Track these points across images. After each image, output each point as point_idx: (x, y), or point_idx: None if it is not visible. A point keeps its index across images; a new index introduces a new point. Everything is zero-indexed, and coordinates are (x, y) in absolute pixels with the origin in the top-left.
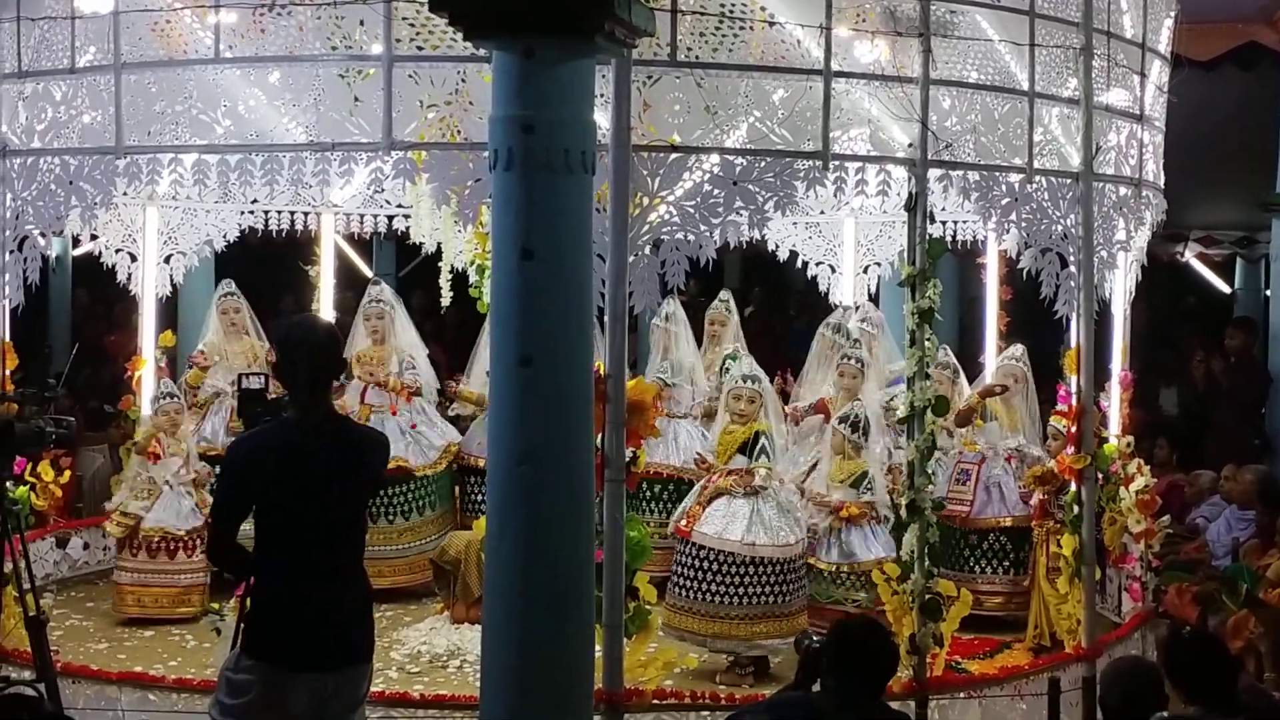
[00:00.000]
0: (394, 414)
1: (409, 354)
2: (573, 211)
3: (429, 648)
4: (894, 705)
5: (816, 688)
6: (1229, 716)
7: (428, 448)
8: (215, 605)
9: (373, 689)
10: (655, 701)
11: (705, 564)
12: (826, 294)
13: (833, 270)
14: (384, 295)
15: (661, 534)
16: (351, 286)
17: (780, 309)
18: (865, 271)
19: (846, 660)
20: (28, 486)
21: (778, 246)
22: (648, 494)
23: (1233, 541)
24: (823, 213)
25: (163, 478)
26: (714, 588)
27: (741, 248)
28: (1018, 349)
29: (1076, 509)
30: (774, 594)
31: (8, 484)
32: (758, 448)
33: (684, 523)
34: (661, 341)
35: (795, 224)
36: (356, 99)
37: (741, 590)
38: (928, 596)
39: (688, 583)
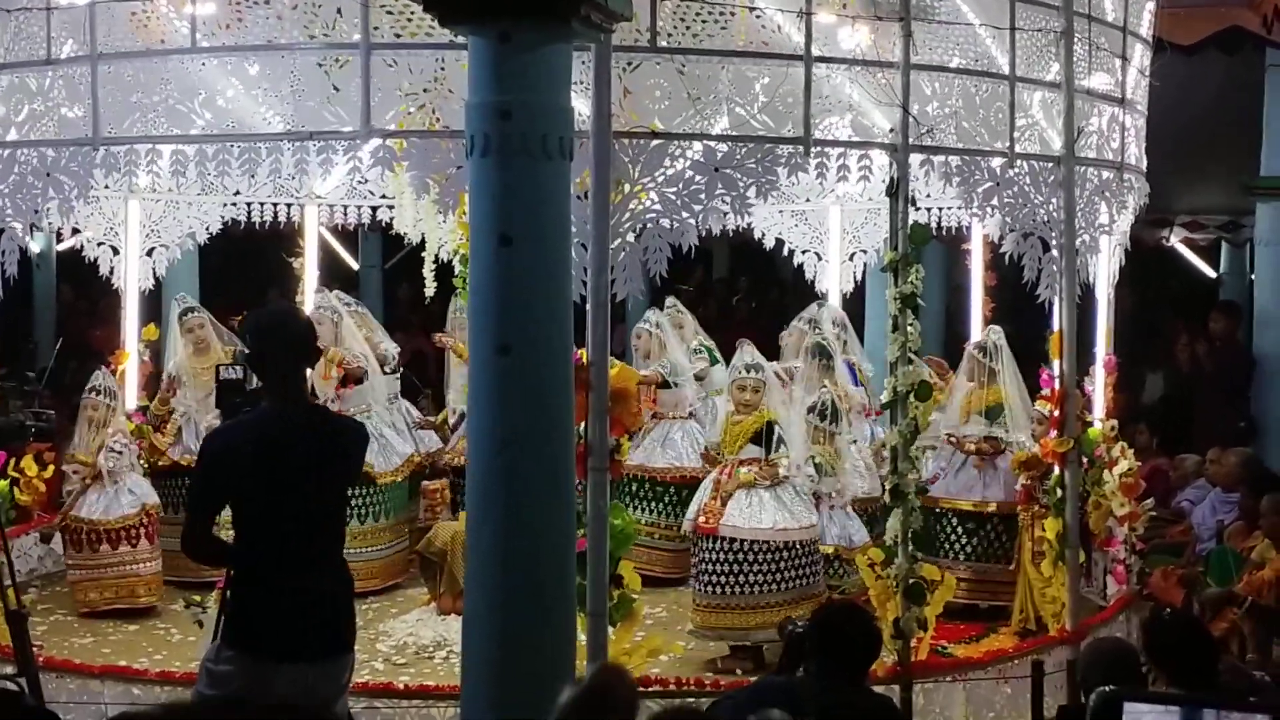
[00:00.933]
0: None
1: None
2: (551, 197)
3: (415, 639)
4: (878, 689)
5: (801, 673)
6: None
7: (391, 455)
8: (197, 597)
9: (358, 680)
10: (641, 689)
11: (739, 555)
12: (813, 282)
13: (819, 258)
14: (328, 302)
15: (670, 535)
16: (337, 278)
17: (765, 297)
18: (851, 259)
19: (828, 645)
20: (10, 481)
21: (764, 235)
22: (649, 494)
23: (1217, 524)
24: (808, 200)
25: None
26: (751, 578)
27: (729, 236)
28: (983, 336)
29: (1060, 493)
30: (804, 575)
31: None
32: (774, 438)
33: (704, 520)
34: (646, 346)
35: (781, 212)
36: (335, 88)
37: (777, 575)
38: (911, 581)
39: (720, 579)
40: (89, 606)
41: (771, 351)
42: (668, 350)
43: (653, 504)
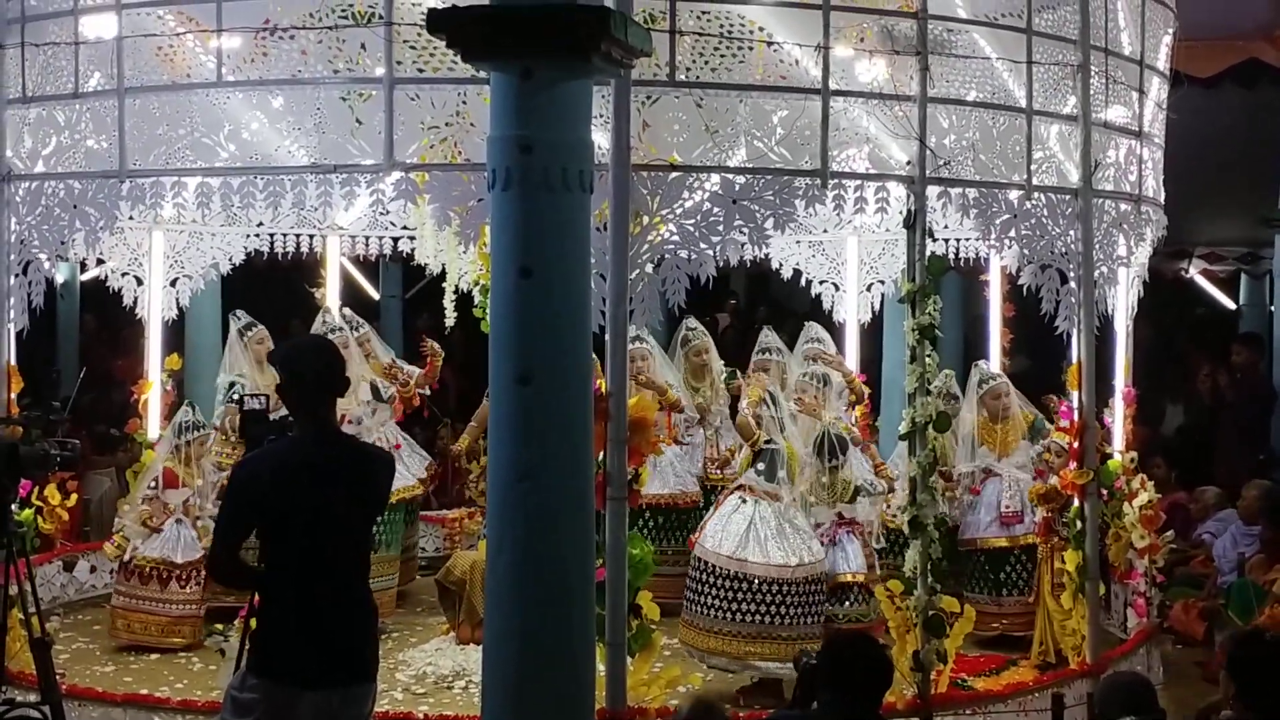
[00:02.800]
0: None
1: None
2: (571, 230)
3: (434, 669)
4: None
5: (815, 707)
6: None
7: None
8: (219, 626)
9: (378, 710)
10: None
11: (703, 576)
12: (830, 312)
13: (836, 288)
14: (335, 323)
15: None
16: (358, 308)
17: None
18: (869, 289)
19: (839, 676)
20: (34, 510)
21: (781, 265)
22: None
23: (1238, 557)
24: (826, 231)
25: (173, 504)
26: (709, 601)
27: (747, 266)
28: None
29: (1079, 525)
30: (766, 614)
31: (13, 507)
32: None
33: (696, 534)
34: (636, 369)
35: (799, 242)
36: (358, 121)
37: (735, 607)
38: (931, 613)
39: (691, 595)
40: (128, 638)
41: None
42: (656, 373)
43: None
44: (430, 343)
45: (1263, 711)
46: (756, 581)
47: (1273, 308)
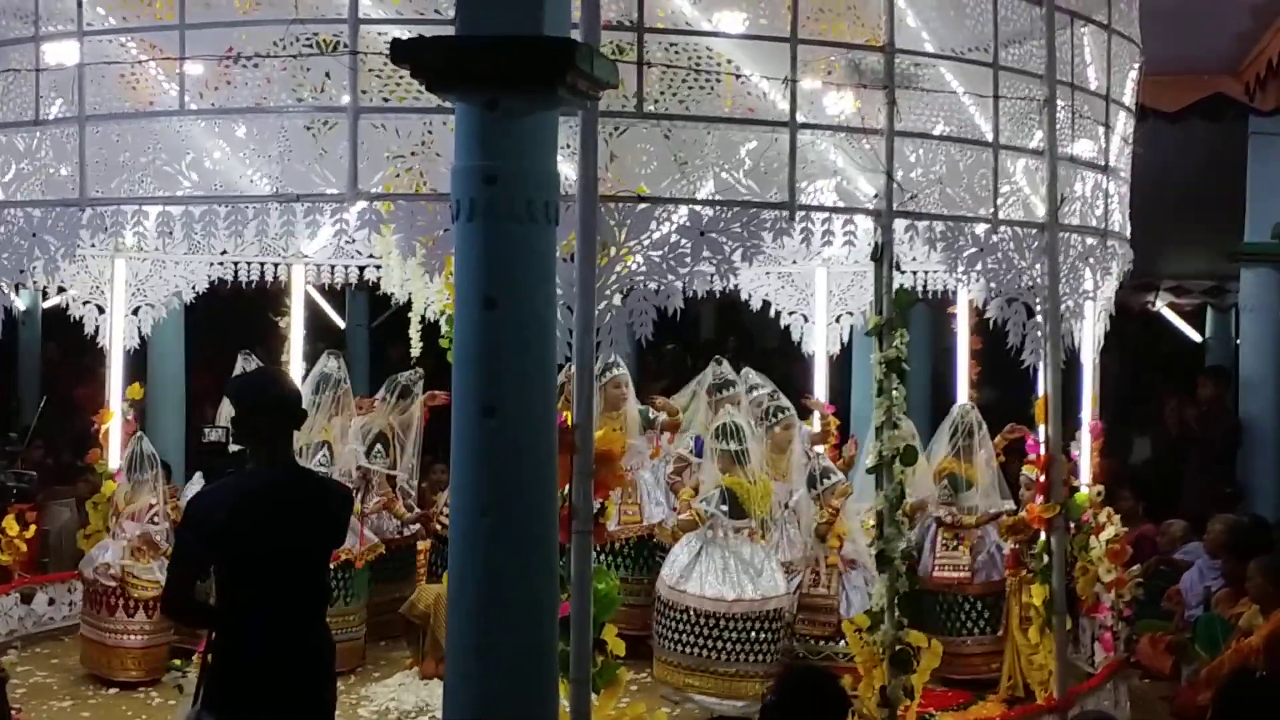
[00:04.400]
0: None
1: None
2: (536, 262)
3: (397, 704)
4: None
5: None
6: None
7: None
8: (177, 662)
9: None
10: None
11: (655, 604)
12: (799, 343)
13: (805, 320)
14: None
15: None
16: (324, 338)
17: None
18: (838, 321)
19: (792, 712)
20: None
21: (750, 296)
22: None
23: (1205, 590)
24: (795, 262)
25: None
26: (657, 629)
27: (716, 298)
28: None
29: (1046, 558)
30: (702, 647)
31: None
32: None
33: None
34: (617, 396)
35: (768, 274)
36: (323, 150)
37: (675, 636)
38: (898, 648)
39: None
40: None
41: None
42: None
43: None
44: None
45: None
46: (692, 613)
47: (1238, 341)
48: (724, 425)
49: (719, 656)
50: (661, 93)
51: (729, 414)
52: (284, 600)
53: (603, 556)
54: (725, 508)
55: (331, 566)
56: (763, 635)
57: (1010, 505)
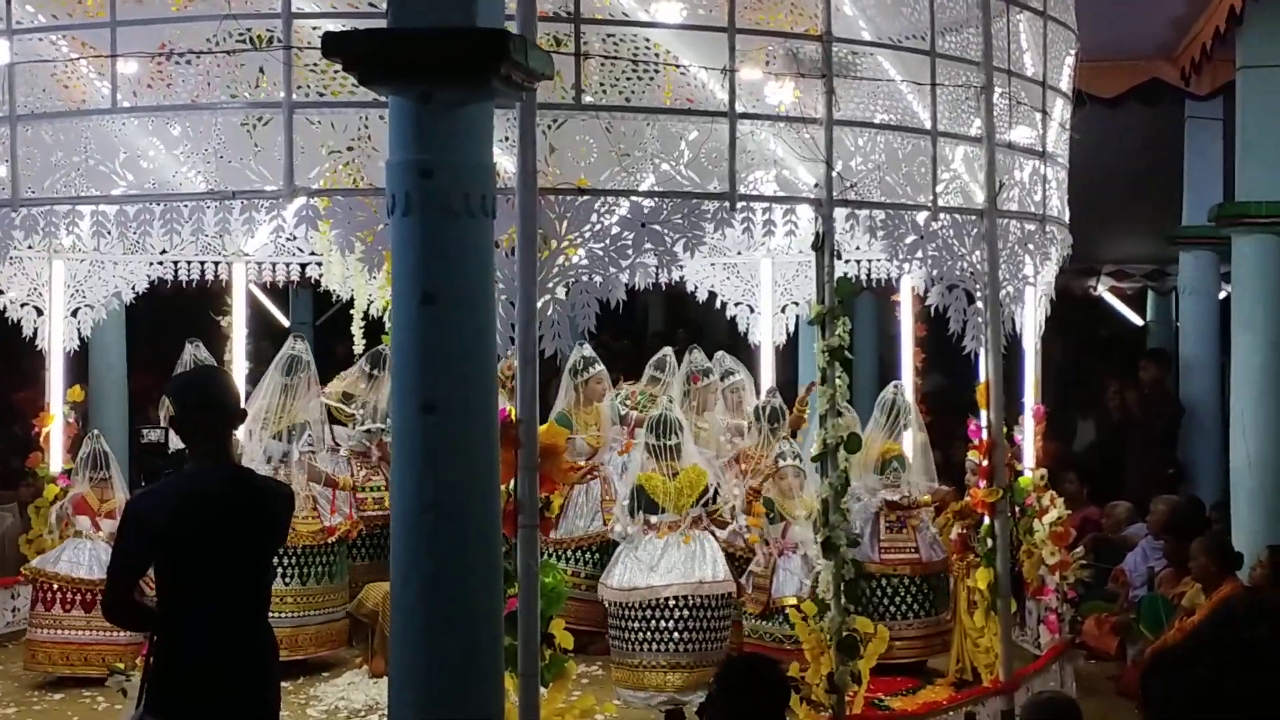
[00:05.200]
0: None
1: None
2: (473, 255)
3: (346, 703)
4: None
5: None
6: None
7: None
8: (120, 665)
9: None
10: None
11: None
12: (746, 334)
13: (751, 310)
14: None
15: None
16: (267, 336)
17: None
18: (784, 311)
19: (733, 701)
20: None
21: (697, 288)
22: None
23: (1148, 571)
24: (740, 253)
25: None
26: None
27: (663, 290)
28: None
29: (990, 542)
30: (615, 639)
31: None
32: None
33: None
34: (599, 391)
35: (714, 265)
36: (258, 147)
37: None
38: (845, 634)
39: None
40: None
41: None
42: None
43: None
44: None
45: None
46: (607, 604)
47: (1179, 324)
48: (657, 418)
49: (625, 647)
50: (600, 84)
51: (665, 407)
52: (225, 601)
53: (585, 555)
54: (626, 503)
55: (322, 545)
56: (665, 624)
57: (939, 486)
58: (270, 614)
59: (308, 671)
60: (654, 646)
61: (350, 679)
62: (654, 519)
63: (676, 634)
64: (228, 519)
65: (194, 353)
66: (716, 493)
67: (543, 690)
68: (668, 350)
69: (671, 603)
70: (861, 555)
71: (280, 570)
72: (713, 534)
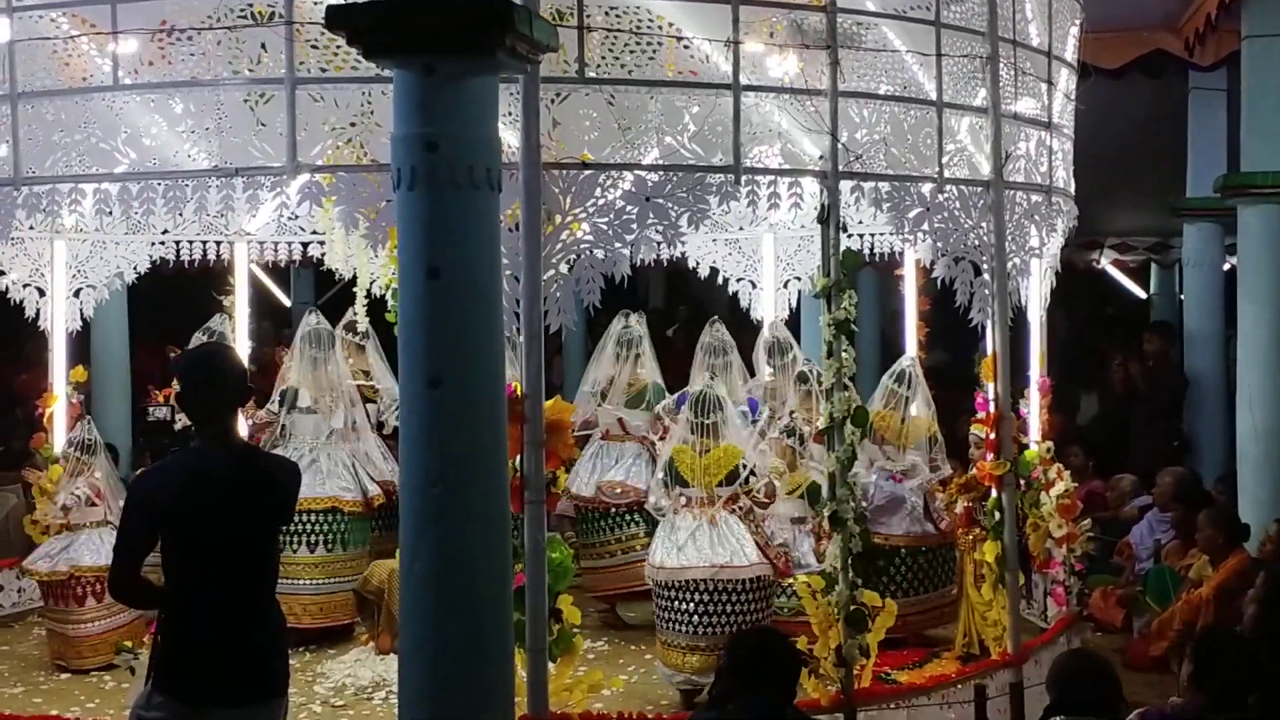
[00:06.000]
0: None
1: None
2: (479, 229)
3: (354, 680)
4: (822, 718)
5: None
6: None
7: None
8: (128, 643)
9: None
10: None
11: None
12: (748, 310)
13: (754, 286)
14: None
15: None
16: (269, 315)
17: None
18: (786, 286)
19: (744, 674)
20: None
21: (699, 264)
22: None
23: (1155, 543)
24: (742, 228)
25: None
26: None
27: (664, 266)
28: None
29: (998, 515)
30: (658, 614)
31: None
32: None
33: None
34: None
35: (715, 240)
36: (260, 123)
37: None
38: (852, 608)
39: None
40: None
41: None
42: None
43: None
44: None
45: (1214, 694)
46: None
47: (1182, 296)
48: (697, 395)
49: (657, 623)
50: (603, 58)
51: (706, 384)
52: (231, 582)
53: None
54: (661, 476)
55: (342, 514)
56: (685, 606)
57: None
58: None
59: (313, 648)
60: (675, 626)
61: (357, 655)
62: (687, 493)
63: (695, 616)
64: (234, 502)
65: (219, 326)
66: (752, 473)
67: (550, 665)
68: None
69: (691, 585)
70: (919, 529)
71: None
72: (751, 516)
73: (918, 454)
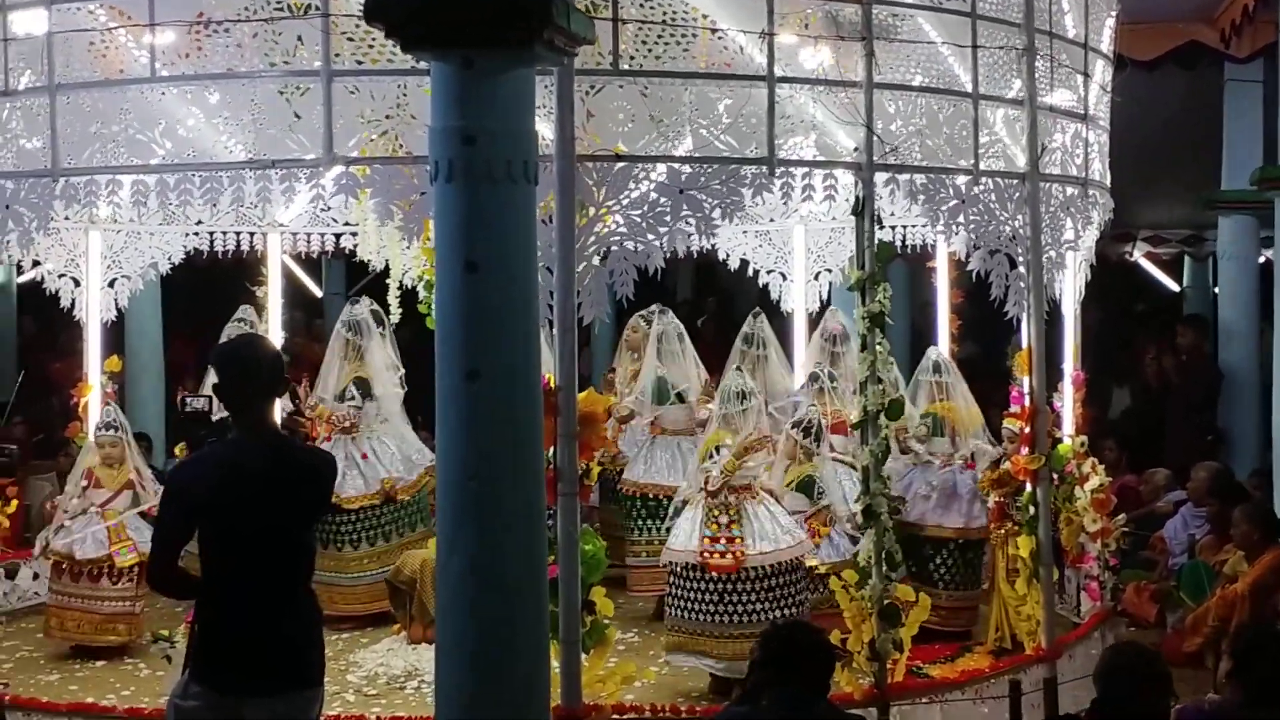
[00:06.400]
0: (313, 437)
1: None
2: (516, 222)
3: (386, 669)
4: (856, 712)
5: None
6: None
7: (372, 480)
8: (165, 632)
9: (330, 712)
10: (615, 716)
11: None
12: (778, 302)
13: (784, 278)
14: (354, 316)
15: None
16: (301, 306)
17: (731, 319)
18: (816, 278)
19: (781, 667)
20: None
21: (728, 255)
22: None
23: (1189, 538)
24: (772, 220)
25: (90, 504)
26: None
27: (693, 258)
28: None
29: (1032, 510)
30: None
31: None
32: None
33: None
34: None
35: (745, 232)
36: (296, 115)
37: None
38: (886, 602)
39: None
40: (61, 636)
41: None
42: (675, 362)
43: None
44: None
45: (1252, 690)
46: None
47: (1216, 289)
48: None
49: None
50: (637, 50)
51: (734, 377)
52: (267, 575)
53: None
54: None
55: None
56: (674, 590)
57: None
58: None
59: (345, 638)
60: (677, 613)
61: (389, 645)
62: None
63: (680, 601)
64: (270, 494)
65: (245, 315)
66: (718, 449)
67: (584, 657)
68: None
69: (678, 569)
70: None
71: None
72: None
73: (977, 440)
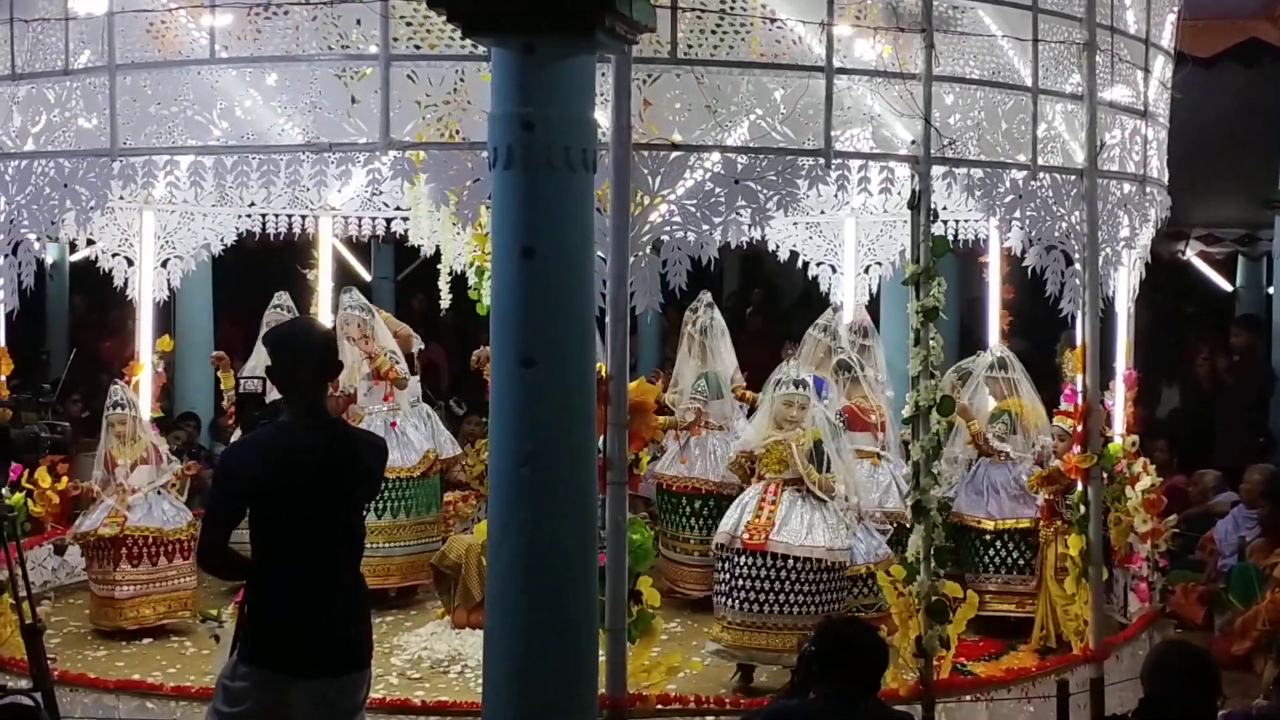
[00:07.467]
0: (387, 400)
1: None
2: (574, 210)
3: (430, 653)
4: (901, 708)
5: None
6: None
7: (410, 451)
8: (214, 611)
9: (374, 695)
10: (659, 706)
11: (783, 573)
12: (827, 294)
13: (833, 270)
14: (358, 300)
15: (704, 551)
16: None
17: (778, 310)
18: (866, 271)
19: (833, 663)
20: (24, 493)
21: (778, 247)
22: (687, 509)
23: (1239, 540)
24: (823, 212)
25: (135, 486)
26: (792, 597)
27: (740, 249)
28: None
29: (1082, 509)
30: (839, 597)
31: (3, 490)
32: (824, 459)
33: (749, 535)
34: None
35: (795, 224)
36: (354, 99)
37: (818, 595)
38: (934, 599)
39: (760, 596)
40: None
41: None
42: (715, 358)
43: (693, 519)
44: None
45: None
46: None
47: (1270, 290)
48: (780, 378)
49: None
50: (694, 39)
51: (786, 369)
52: (316, 551)
53: None
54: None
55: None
56: (742, 574)
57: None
58: None
59: (390, 621)
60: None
61: (433, 629)
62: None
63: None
64: (319, 479)
65: (282, 301)
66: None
67: (630, 646)
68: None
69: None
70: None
71: None
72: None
73: (1046, 437)
